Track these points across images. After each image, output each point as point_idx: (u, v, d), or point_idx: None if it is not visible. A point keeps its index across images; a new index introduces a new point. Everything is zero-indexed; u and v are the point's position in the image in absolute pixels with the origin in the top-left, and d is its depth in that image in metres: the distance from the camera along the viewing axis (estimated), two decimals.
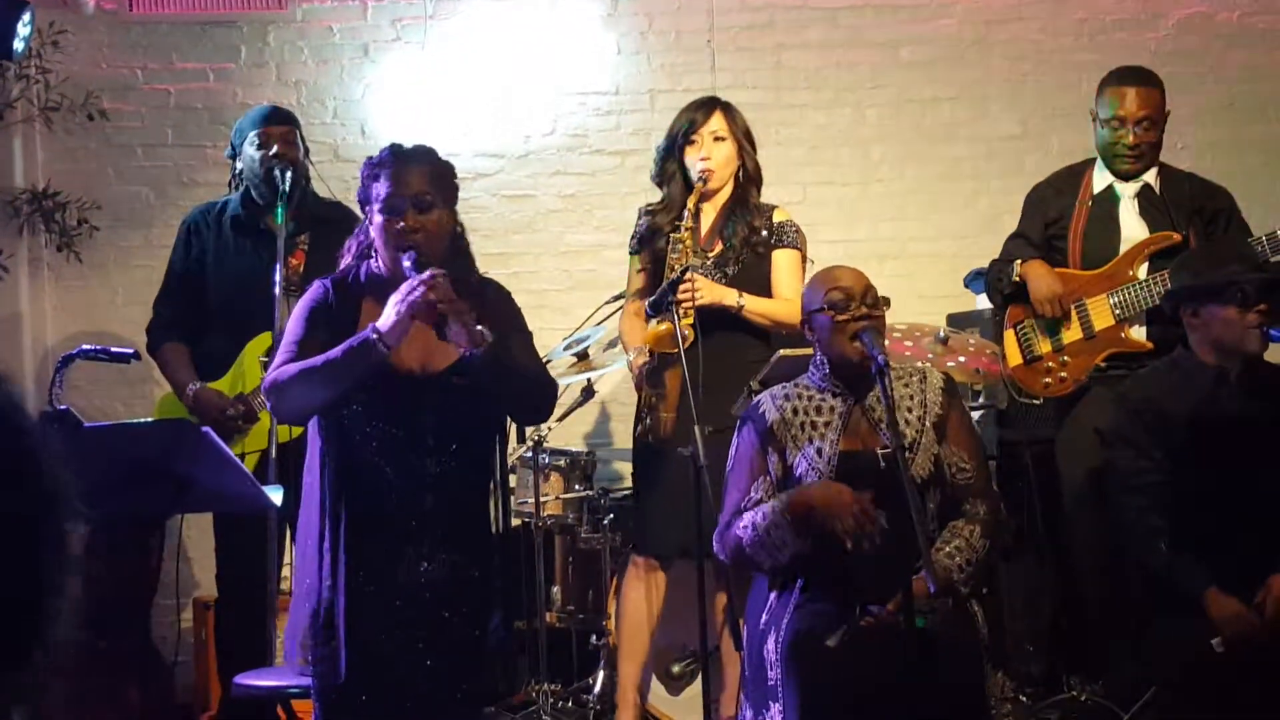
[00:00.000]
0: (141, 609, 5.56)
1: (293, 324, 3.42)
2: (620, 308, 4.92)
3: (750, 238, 4.52)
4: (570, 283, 6.25)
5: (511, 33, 6.34)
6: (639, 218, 4.68)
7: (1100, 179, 4.93)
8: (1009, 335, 4.95)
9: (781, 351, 4.31)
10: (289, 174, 4.58)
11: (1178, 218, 4.81)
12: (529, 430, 5.16)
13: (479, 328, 3.18)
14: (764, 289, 4.51)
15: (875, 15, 6.42)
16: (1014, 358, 4.91)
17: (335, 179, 5.12)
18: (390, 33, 6.34)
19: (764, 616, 3.53)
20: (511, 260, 6.10)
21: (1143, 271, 4.79)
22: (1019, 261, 4.91)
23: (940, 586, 3.27)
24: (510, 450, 5.28)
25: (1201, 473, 3.92)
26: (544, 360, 5.28)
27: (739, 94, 6.19)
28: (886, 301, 3.64)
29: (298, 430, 4.08)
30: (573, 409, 5.55)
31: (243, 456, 4.45)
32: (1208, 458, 3.93)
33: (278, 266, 4.47)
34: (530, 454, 5.14)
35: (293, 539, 3.80)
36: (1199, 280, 4.08)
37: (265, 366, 4.06)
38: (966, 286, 5.74)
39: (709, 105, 4.60)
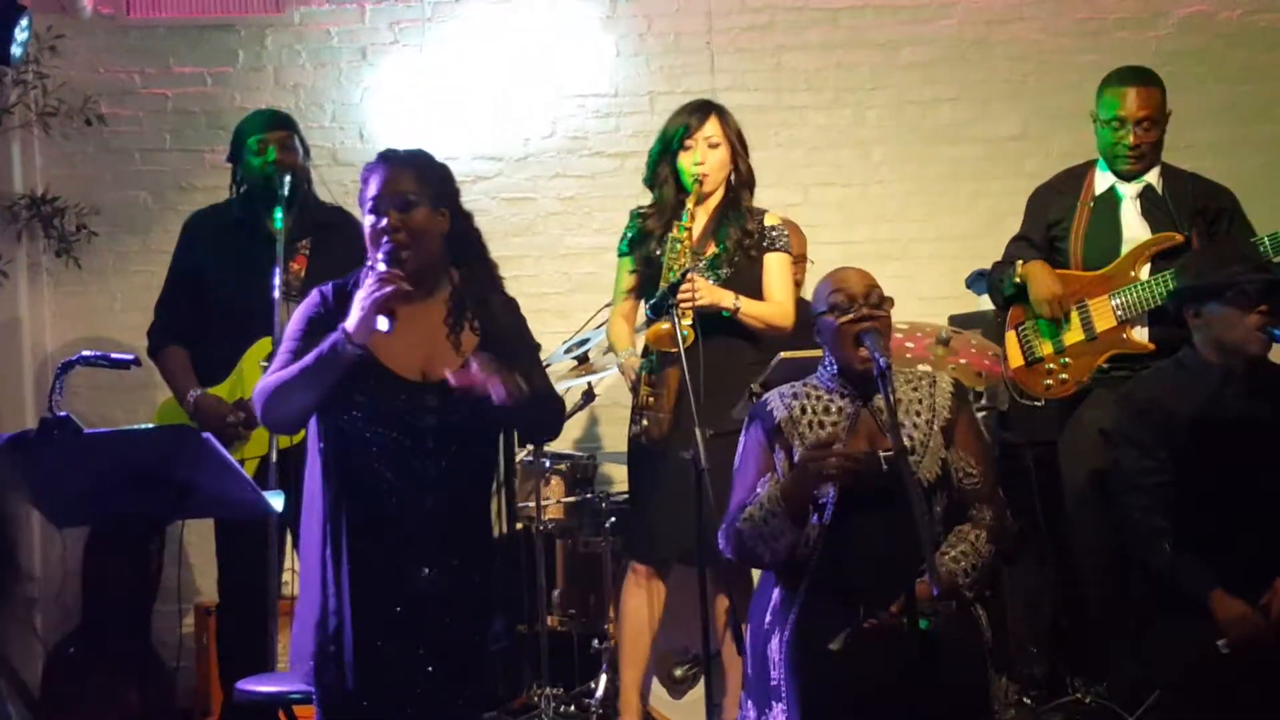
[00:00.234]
0: (141, 613, 5.57)
1: (289, 332, 3.43)
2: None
3: (743, 241, 4.54)
4: (570, 285, 6.24)
5: (510, 35, 6.34)
6: (630, 220, 4.68)
7: (1102, 180, 4.92)
8: (1010, 337, 4.94)
9: (782, 354, 4.32)
10: (288, 180, 4.58)
11: (1180, 218, 4.80)
12: None
13: (517, 379, 3.24)
14: (756, 292, 4.53)
15: (875, 16, 6.42)
16: (1015, 359, 4.91)
17: (334, 183, 5.11)
18: (388, 36, 6.34)
19: (768, 616, 3.54)
20: (511, 263, 6.00)
21: (1144, 272, 4.78)
22: (1020, 262, 4.91)
23: (943, 589, 3.26)
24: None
25: (1206, 473, 3.92)
26: (544, 364, 5.31)
27: (738, 95, 6.20)
28: (890, 302, 3.64)
29: (299, 436, 4.07)
30: (573, 412, 5.53)
31: (243, 462, 4.45)
32: (1213, 458, 3.93)
33: (276, 271, 4.47)
34: (531, 458, 5.13)
35: (294, 544, 3.80)
36: (1201, 280, 4.09)
37: (265, 371, 4.06)
38: (968, 288, 5.74)
39: (704, 109, 4.61)
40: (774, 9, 6.40)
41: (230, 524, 4.66)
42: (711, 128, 4.55)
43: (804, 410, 3.59)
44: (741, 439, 3.69)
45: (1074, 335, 4.84)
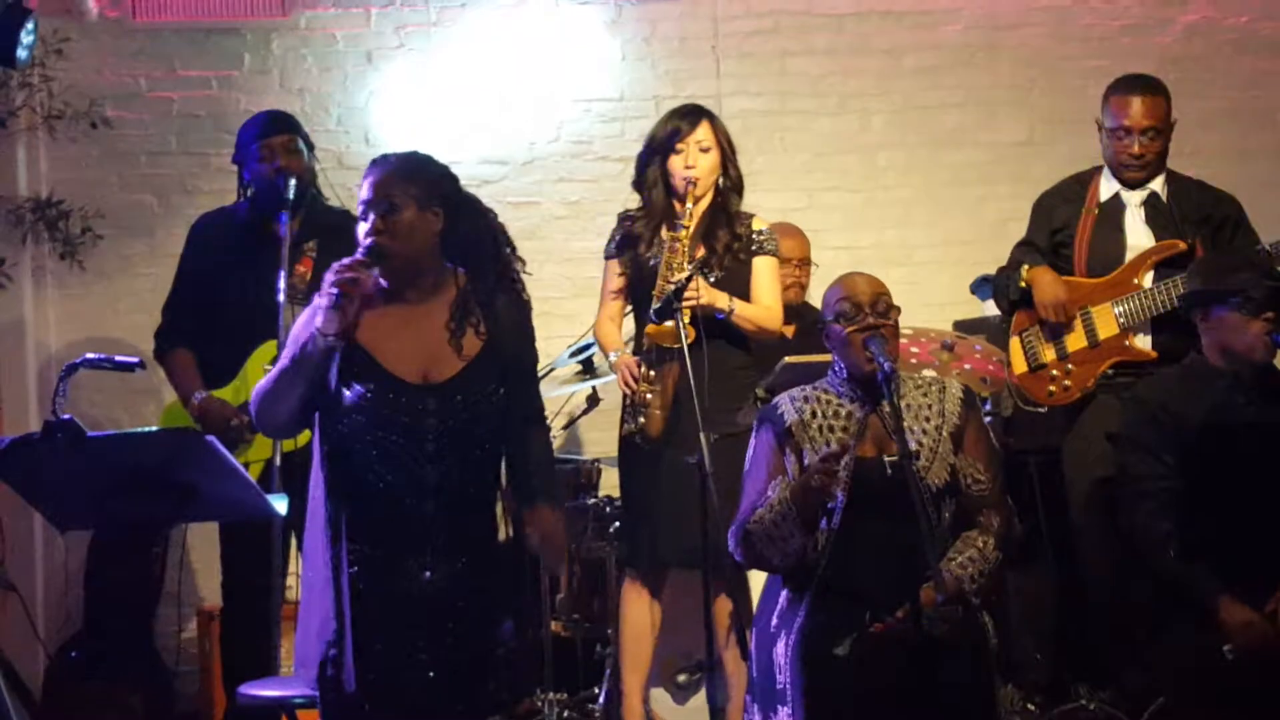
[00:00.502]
0: (144, 617, 5.57)
1: (294, 336, 3.42)
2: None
3: (732, 244, 4.57)
4: (574, 290, 6.23)
5: (515, 39, 6.34)
6: (618, 223, 4.69)
7: (1107, 187, 4.92)
8: (1014, 342, 4.95)
9: (786, 359, 4.33)
10: (293, 184, 4.59)
11: (1184, 226, 4.80)
12: None
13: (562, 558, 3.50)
14: (745, 295, 4.55)
15: (880, 22, 6.41)
16: (1019, 365, 4.91)
17: (340, 186, 5.11)
18: (394, 40, 6.34)
19: (774, 620, 3.55)
20: None
21: (1148, 280, 4.78)
22: (1025, 267, 4.91)
23: (950, 595, 3.27)
24: None
25: (1213, 478, 3.93)
26: (549, 369, 5.30)
27: (743, 100, 6.21)
28: (897, 310, 3.64)
29: (303, 439, 4.07)
30: (577, 417, 5.54)
31: (248, 465, 4.44)
32: (1220, 463, 3.94)
33: (281, 274, 4.47)
34: None
35: (298, 548, 3.79)
36: (1209, 285, 4.12)
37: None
38: (973, 293, 5.73)
39: (694, 114, 4.62)
40: (779, 14, 6.40)
41: (234, 528, 4.66)
42: (703, 132, 4.58)
43: (814, 414, 3.60)
44: (751, 442, 3.70)
45: (1077, 342, 4.84)
